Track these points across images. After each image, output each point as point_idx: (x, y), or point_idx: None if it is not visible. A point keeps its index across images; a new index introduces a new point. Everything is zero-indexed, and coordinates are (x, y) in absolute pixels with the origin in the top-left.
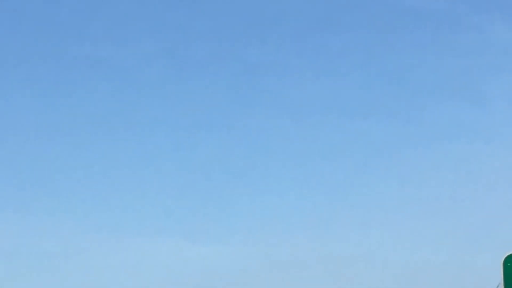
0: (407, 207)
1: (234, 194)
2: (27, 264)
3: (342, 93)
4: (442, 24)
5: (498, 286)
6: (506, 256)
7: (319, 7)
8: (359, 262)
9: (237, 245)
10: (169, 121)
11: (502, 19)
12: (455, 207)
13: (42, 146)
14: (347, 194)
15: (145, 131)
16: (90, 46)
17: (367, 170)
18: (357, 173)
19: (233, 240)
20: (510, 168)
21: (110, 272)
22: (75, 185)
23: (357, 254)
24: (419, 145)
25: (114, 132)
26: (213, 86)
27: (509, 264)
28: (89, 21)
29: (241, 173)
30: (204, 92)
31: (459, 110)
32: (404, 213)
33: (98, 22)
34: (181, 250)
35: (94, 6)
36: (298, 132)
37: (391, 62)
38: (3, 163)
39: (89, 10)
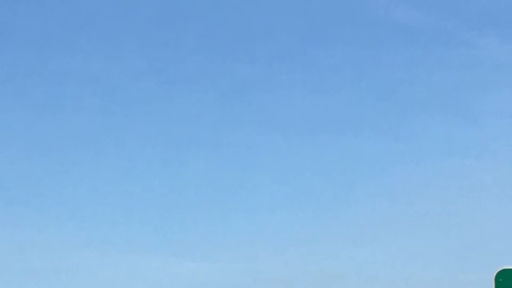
0: (397, 223)
1: (223, 211)
2: (16, 281)
3: (332, 110)
4: (433, 39)
5: None
6: (497, 271)
7: (309, 23)
8: (350, 279)
9: (227, 262)
10: (158, 137)
11: (494, 35)
12: (446, 222)
13: (30, 161)
14: (338, 210)
15: (133, 147)
16: (78, 62)
17: (357, 186)
18: (347, 190)
19: (223, 256)
20: (501, 183)
21: None
22: (63, 201)
23: (347, 271)
24: (409, 161)
25: (102, 148)
26: (202, 103)
27: (500, 279)
28: (78, 36)
29: (231, 189)
30: (193, 109)
31: (450, 126)
32: (395, 229)
33: (87, 37)
34: (171, 267)
35: (82, 21)
36: (287, 148)
37: (381, 78)
38: None
39: (78, 25)
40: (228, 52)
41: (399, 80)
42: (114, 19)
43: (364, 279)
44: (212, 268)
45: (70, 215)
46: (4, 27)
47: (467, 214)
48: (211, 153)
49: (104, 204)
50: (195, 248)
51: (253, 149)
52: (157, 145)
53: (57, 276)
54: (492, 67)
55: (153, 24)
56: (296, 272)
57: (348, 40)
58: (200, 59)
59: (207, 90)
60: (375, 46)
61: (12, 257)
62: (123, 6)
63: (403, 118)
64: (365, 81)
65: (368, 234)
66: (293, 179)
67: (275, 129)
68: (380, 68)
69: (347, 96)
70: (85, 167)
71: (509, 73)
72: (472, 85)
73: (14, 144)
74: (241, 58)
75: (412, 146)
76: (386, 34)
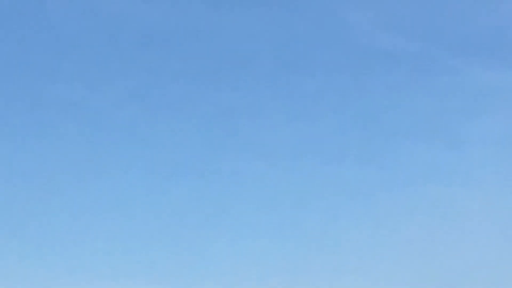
0: (382, 251)
1: (207, 239)
2: None
3: (316, 137)
4: (417, 66)
5: None
6: None
7: (292, 50)
8: None
9: None
10: (140, 164)
11: (479, 62)
12: (431, 250)
13: (11, 189)
14: (321, 238)
15: (116, 174)
16: (61, 88)
17: (341, 214)
18: (331, 217)
19: (207, 284)
20: (486, 211)
21: None
22: (45, 229)
23: None
24: (394, 188)
25: (85, 175)
26: (186, 130)
27: None
28: (59, 63)
29: (214, 217)
30: (177, 136)
31: (434, 153)
32: (379, 257)
33: (68, 64)
34: None
35: (64, 47)
36: (271, 176)
37: (365, 105)
38: None
39: (60, 51)
40: (211, 79)
41: (383, 107)
42: (96, 45)
43: None
44: None
45: (51, 243)
46: None
47: (452, 242)
48: (194, 180)
49: (87, 232)
50: (178, 276)
51: (236, 176)
52: (139, 172)
53: None
54: (478, 94)
55: (135, 50)
56: None
57: (332, 67)
58: (183, 86)
59: (190, 117)
60: (359, 73)
61: None
62: (105, 32)
63: (387, 145)
64: (349, 108)
65: (352, 263)
66: (277, 206)
67: (258, 156)
68: (364, 95)
69: (330, 123)
70: (67, 194)
71: (493, 100)
72: (456, 112)
73: None
74: (225, 85)
75: (396, 174)
76: (370, 61)
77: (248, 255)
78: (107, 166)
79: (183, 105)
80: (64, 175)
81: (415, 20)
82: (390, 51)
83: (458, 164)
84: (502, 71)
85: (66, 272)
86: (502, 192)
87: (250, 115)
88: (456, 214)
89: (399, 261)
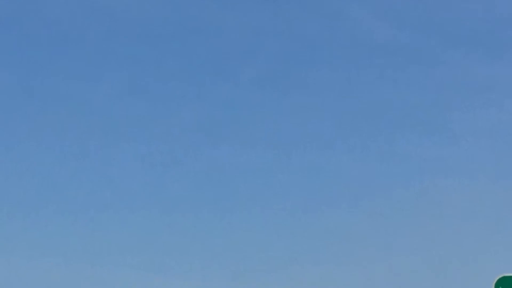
0: (378, 241)
1: (208, 230)
2: None
3: (315, 128)
4: (414, 59)
5: None
6: (497, 278)
7: (292, 44)
8: None
9: (211, 280)
10: (140, 158)
11: (476, 55)
12: (428, 242)
13: (5, 188)
14: (323, 229)
15: (115, 168)
16: (59, 82)
17: (339, 205)
18: (326, 208)
19: (205, 275)
20: (481, 202)
21: None
22: (46, 221)
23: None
24: (390, 180)
25: (83, 169)
26: (186, 123)
27: (500, 287)
28: (59, 58)
29: (215, 209)
30: (175, 129)
31: (431, 145)
32: (377, 247)
33: (68, 58)
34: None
35: (63, 42)
36: (270, 167)
37: (362, 98)
38: None
39: (59, 46)
40: (211, 73)
41: (379, 99)
42: (94, 39)
43: None
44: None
45: (54, 233)
46: None
47: (446, 233)
48: (193, 172)
49: (87, 225)
50: (177, 267)
51: (236, 167)
52: (139, 166)
53: None
54: (473, 87)
55: (134, 45)
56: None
57: (332, 60)
58: (182, 80)
59: (189, 111)
60: (357, 65)
61: None
62: (103, 26)
63: (383, 138)
64: (346, 101)
65: (349, 252)
66: (276, 199)
67: (258, 147)
68: (361, 87)
69: (328, 115)
70: (63, 187)
71: (490, 93)
72: (452, 104)
73: None
74: (224, 78)
75: (391, 166)
76: (368, 54)
77: (248, 245)
78: (105, 160)
79: (182, 98)
80: (60, 168)
81: (412, 13)
82: (387, 44)
83: (454, 157)
84: (498, 65)
85: (68, 260)
86: (497, 185)
87: (250, 107)
88: (452, 206)
89: (398, 252)
